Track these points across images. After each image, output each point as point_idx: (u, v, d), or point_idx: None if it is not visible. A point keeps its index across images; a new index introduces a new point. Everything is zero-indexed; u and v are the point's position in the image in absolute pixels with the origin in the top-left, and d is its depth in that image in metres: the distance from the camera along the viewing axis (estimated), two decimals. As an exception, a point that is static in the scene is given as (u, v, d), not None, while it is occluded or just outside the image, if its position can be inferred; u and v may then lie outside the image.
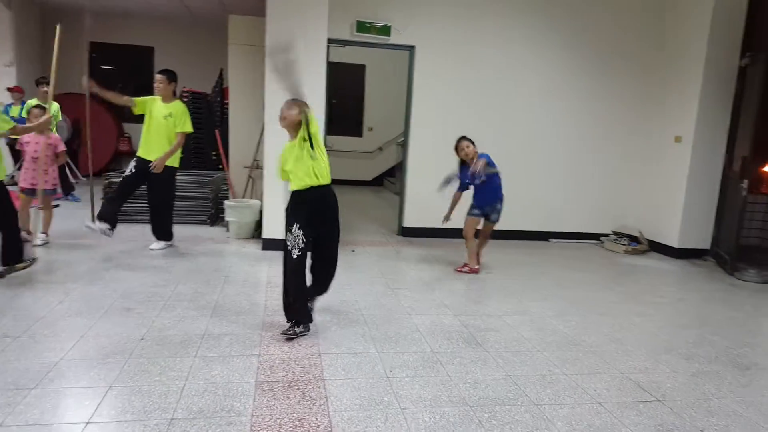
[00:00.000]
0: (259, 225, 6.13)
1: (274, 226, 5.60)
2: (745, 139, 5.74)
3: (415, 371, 2.98)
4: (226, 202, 6.27)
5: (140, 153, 5.33)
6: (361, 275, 4.90)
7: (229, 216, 6.19)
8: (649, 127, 6.97)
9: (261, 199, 6.26)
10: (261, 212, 6.05)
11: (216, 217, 7.03)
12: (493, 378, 2.94)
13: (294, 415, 2.46)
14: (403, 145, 6.93)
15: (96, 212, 5.23)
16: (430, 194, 6.74)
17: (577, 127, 6.97)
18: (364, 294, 4.33)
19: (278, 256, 5.32)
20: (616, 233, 7.05)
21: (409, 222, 6.76)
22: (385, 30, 6.30)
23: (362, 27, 6.25)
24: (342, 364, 3.01)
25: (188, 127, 5.35)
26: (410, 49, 6.49)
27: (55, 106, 6.94)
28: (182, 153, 5.64)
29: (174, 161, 5.43)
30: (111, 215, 5.16)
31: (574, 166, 7.04)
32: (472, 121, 6.69)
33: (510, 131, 6.78)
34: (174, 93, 5.40)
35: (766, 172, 7.27)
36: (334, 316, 3.79)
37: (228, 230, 6.33)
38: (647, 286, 5.13)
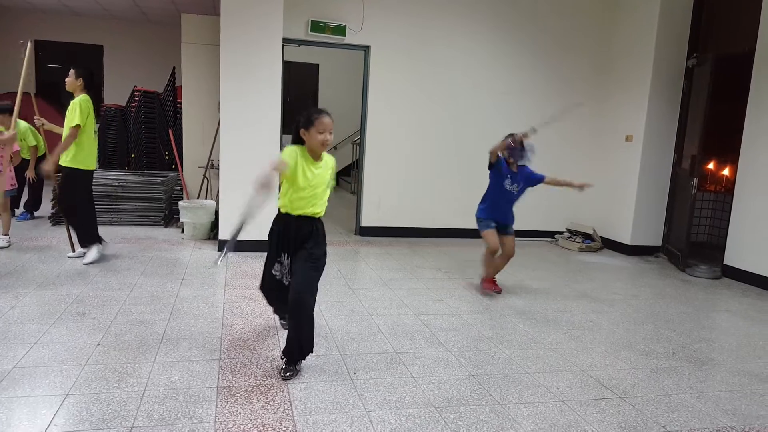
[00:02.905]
0: (214, 226, 5.98)
1: (231, 227, 5.47)
2: (693, 138, 5.98)
3: (379, 372, 2.95)
4: (180, 203, 6.08)
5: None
6: (322, 277, 4.81)
7: (183, 217, 6.01)
8: (601, 126, 7.18)
9: (216, 200, 6.11)
10: (216, 213, 5.91)
11: (170, 218, 6.81)
12: (456, 378, 2.93)
13: (258, 420, 2.38)
14: (360, 145, 6.90)
15: (71, 240, 5.01)
16: (387, 193, 6.77)
17: (530, 126, 7.09)
18: (324, 295, 4.26)
19: (235, 257, 5.26)
20: (570, 231, 7.23)
21: (366, 221, 6.74)
22: (340, 30, 6.25)
23: (317, 27, 6.18)
24: (305, 367, 2.94)
25: (74, 120, 4.60)
26: (365, 49, 6.47)
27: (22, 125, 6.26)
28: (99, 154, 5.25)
29: (81, 162, 4.73)
30: (91, 235, 4.93)
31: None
32: (429, 121, 6.75)
33: (466, 130, 6.86)
34: (83, 88, 4.80)
35: (713, 169, 7.64)
36: (296, 318, 3.72)
37: (183, 231, 6.15)
38: (602, 283, 5.27)
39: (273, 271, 3.04)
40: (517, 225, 7.16)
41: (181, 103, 7.41)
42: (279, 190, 3.03)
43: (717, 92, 5.80)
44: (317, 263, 2.99)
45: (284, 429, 2.33)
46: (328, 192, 3.03)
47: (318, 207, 2.97)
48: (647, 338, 3.76)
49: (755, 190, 5.45)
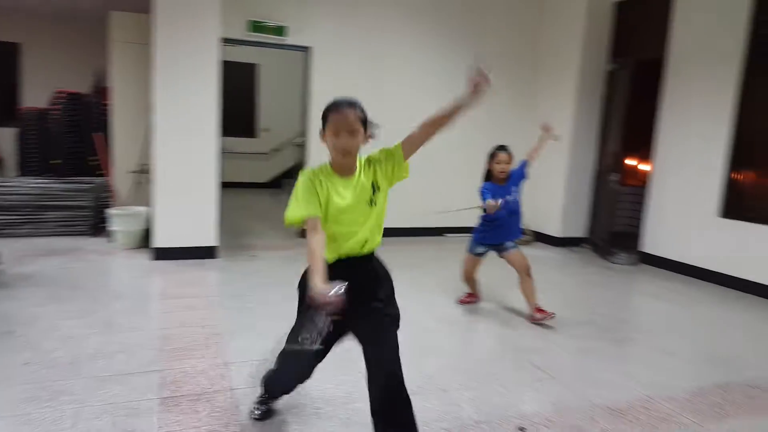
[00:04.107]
0: (148, 233, 5.79)
1: (166, 234, 5.33)
2: (614, 137, 6.43)
3: (327, 372, 2.98)
4: (110, 210, 5.85)
5: None
6: (266, 281, 4.79)
7: (114, 225, 5.79)
8: (531, 127, 7.51)
9: (149, 206, 5.93)
10: (150, 220, 5.73)
11: (98, 227, 6.52)
12: (403, 369, 3.02)
13: (204, 428, 2.37)
14: (304, 146, 6.89)
15: None
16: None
17: (465, 127, 7.33)
18: (270, 300, 4.24)
19: (172, 265, 5.12)
20: (504, 226, 7.53)
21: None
22: (280, 30, 6.21)
23: (255, 27, 6.12)
24: (251, 372, 2.94)
25: None
26: (306, 50, 6.47)
27: None
28: None
29: None
30: None
31: (464, 163, 7.40)
32: (374, 120, 6.83)
33: (409, 128, 6.98)
34: None
35: (632, 165, 8.20)
36: (240, 323, 3.70)
37: (113, 240, 5.91)
38: (534, 273, 5.52)
39: (300, 337, 2.10)
40: (455, 222, 7.45)
41: (109, 105, 7.10)
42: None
43: (634, 95, 6.25)
44: (396, 321, 2.22)
45: (232, 433, 2.34)
46: (380, 208, 2.10)
47: (367, 237, 2.08)
48: (575, 322, 4.02)
49: (667, 183, 5.92)
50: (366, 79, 6.73)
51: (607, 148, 6.72)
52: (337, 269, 1.97)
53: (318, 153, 6.62)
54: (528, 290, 4.03)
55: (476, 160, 7.32)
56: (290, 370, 2.32)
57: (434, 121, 2.15)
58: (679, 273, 5.67)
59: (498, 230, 4.08)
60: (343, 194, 2.01)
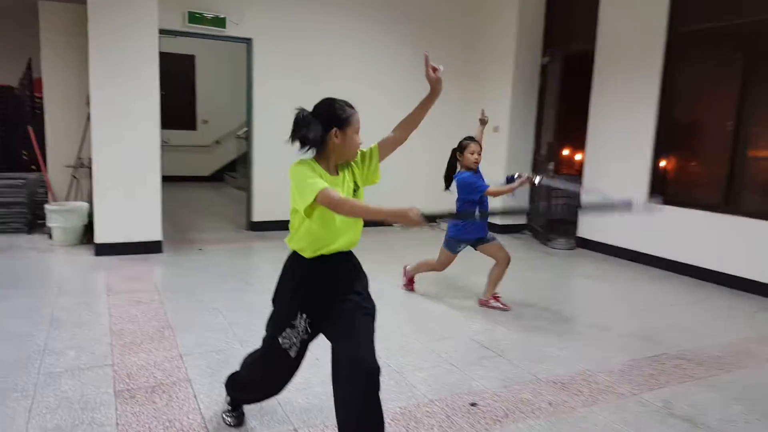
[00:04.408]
0: (88, 229, 5.61)
1: (109, 230, 5.18)
2: (549, 128, 6.74)
3: (282, 360, 3.04)
4: (47, 206, 5.62)
5: None
6: (216, 274, 4.77)
7: (52, 221, 5.57)
8: (472, 121, 7.74)
9: (89, 201, 5.73)
10: (90, 215, 5.55)
11: (34, 224, 6.24)
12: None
13: (163, 417, 2.39)
14: (247, 139, 6.82)
15: None
16: (278, 186, 6.75)
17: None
18: (221, 293, 4.24)
19: (117, 261, 4.98)
20: (441, 217, 7.75)
21: (258, 216, 6.68)
22: (219, 22, 6.13)
23: (194, 18, 6.01)
24: (207, 363, 2.96)
25: None
26: (247, 41, 6.40)
27: None
28: None
29: None
30: None
31: (408, 156, 7.53)
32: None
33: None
34: None
35: (567, 155, 8.61)
36: (191, 316, 3.69)
37: (52, 237, 5.68)
38: (479, 259, 5.74)
39: (280, 339, 2.11)
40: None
41: (40, 98, 6.77)
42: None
43: (568, 86, 6.57)
44: (373, 315, 2.22)
45: (192, 422, 2.36)
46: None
47: (352, 233, 2.12)
48: (519, 303, 4.24)
49: (599, 171, 6.28)
50: (308, 72, 6.72)
51: (544, 138, 7.04)
52: (318, 265, 2.05)
53: (263, 144, 6.57)
54: (497, 278, 4.15)
55: (426, 152, 7.53)
56: (267, 375, 2.28)
57: (407, 121, 2.32)
58: (613, 255, 6.05)
59: (481, 223, 4.16)
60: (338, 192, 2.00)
